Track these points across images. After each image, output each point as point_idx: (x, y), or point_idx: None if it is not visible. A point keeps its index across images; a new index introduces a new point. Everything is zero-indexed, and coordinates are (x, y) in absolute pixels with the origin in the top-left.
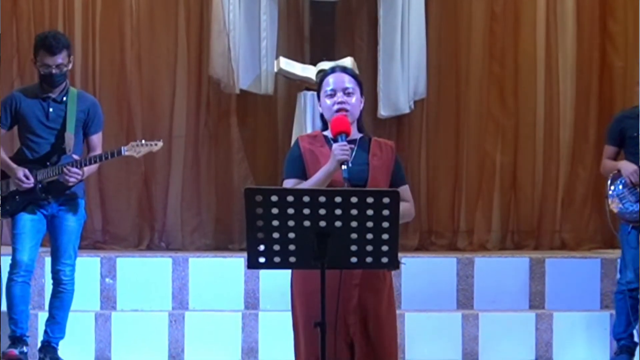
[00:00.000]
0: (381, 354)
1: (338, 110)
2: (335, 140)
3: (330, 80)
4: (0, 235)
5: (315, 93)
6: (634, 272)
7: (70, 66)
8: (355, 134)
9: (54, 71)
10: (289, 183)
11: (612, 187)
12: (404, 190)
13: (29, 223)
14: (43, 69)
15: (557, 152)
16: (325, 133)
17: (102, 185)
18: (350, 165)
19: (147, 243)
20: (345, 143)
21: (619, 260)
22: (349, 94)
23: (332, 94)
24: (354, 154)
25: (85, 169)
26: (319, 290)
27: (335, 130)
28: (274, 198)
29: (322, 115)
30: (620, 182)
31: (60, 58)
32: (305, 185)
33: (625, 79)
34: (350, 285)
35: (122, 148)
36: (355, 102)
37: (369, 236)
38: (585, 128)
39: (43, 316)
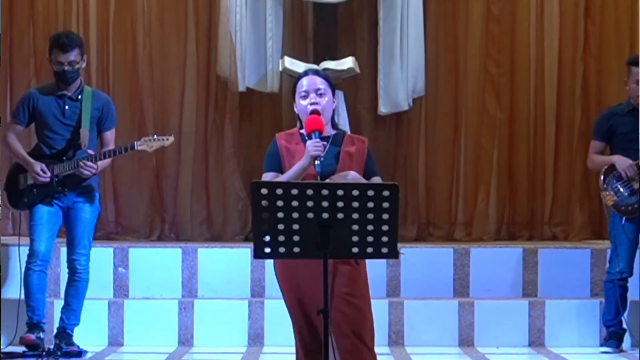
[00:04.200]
0: (358, 337)
1: (312, 111)
2: (310, 138)
3: (304, 82)
4: (19, 227)
5: None
6: (627, 262)
7: (83, 65)
8: (329, 131)
9: (66, 68)
10: (267, 176)
11: (606, 181)
12: (377, 180)
13: (46, 215)
14: (56, 67)
15: (546, 148)
16: (302, 131)
17: (115, 179)
18: (322, 159)
19: (158, 234)
20: (318, 140)
21: (608, 251)
22: (321, 95)
23: (306, 95)
24: (327, 148)
25: (99, 163)
26: (295, 275)
27: (309, 129)
28: (279, 191)
29: (298, 115)
30: (614, 175)
31: (73, 55)
32: (282, 178)
33: (610, 78)
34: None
35: (135, 143)
36: (327, 102)
37: (370, 227)
38: (570, 125)
39: (59, 304)
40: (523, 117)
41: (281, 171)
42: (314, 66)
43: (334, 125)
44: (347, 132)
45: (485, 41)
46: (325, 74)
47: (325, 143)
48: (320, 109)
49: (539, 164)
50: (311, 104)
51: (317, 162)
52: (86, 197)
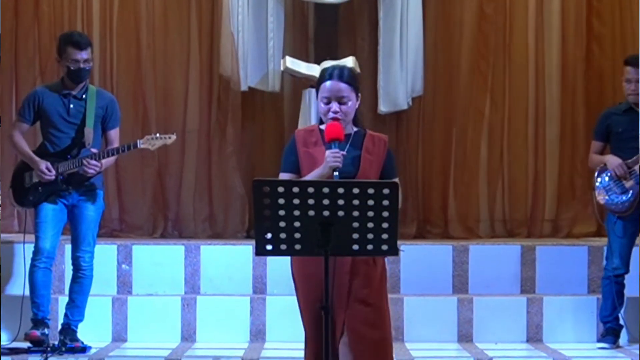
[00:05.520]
0: (375, 336)
1: (332, 119)
2: (329, 147)
3: (327, 85)
4: (24, 224)
5: None
6: (620, 259)
7: (92, 64)
8: (349, 129)
9: (81, 66)
10: (283, 177)
11: (599, 180)
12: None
13: (51, 212)
14: (72, 65)
15: (546, 146)
16: (322, 126)
17: (119, 178)
18: (341, 166)
19: (161, 231)
20: (337, 150)
21: (605, 248)
22: (343, 103)
23: (327, 102)
24: (347, 147)
25: (103, 161)
26: (314, 274)
27: (329, 137)
28: (281, 189)
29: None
30: (606, 174)
31: (87, 54)
32: None
33: (614, 77)
34: (341, 272)
35: (138, 141)
36: (350, 107)
37: (370, 225)
38: (572, 124)
39: (63, 300)
40: (520, 116)
41: (298, 172)
42: (345, 62)
43: (356, 123)
44: (368, 130)
45: (483, 41)
46: (349, 77)
47: (344, 153)
48: (341, 117)
49: (537, 162)
50: (333, 111)
51: (335, 173)
52: (90, 195)
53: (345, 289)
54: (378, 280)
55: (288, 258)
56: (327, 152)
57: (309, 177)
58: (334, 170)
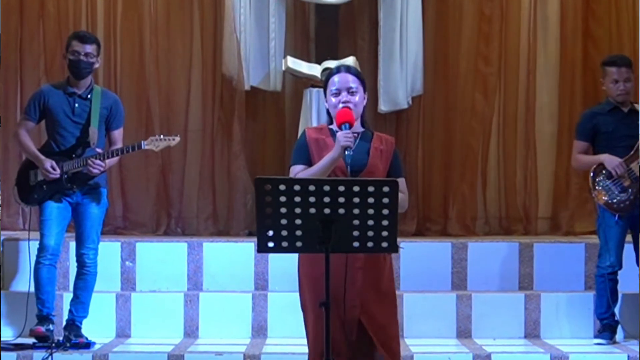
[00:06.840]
0: (383, 327)
1: (343, 108)
2: (340, 129)
3: (336, 79)
4: (29, 222)
5: (319, 89)
6: (617, 257)
7: (97, 64)
8: (358, 128)
9: (82, 58)
10: (296, 168)
11: (597, 180)
12: (400, 182)
13: (56, 210)
14: (73, 55)
15: (544, 145)
16: (331, 126)
17: (123, 176)
18: (352, 152)
19: (164, 229)
20: (348, 131)
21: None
22: (352, 93)
23: (337, 93)
24: (356, 143)
25: (108, 161)
26: (324, 276)
27: (340, 121)
28: (282, 187)
29: (328, 111)
30: (604, 174)
31: (90, 48)
32: (311, 169)
33: None
34: (354, 268)
35: (142, 142)
36: (359, 99)
37: (370, 222)
38: (570, 123)
39: (68, 297)
40: (520, 116)
41: (310, 164)
42: (345, 61)
43: (363, 123)
44: (375, 132)
45: (482, 41)
46: (356, 71)
47: (356, 134)
48: (351, 106)
49: (535, 161)
50: (343, 102)
51: (347, 152)
52: (94, 194)
53: (357, 284)
54: (388, 273)
55: (290, 255)
56: (339, 133)
57: (320, 162)
58: (346, 149)
